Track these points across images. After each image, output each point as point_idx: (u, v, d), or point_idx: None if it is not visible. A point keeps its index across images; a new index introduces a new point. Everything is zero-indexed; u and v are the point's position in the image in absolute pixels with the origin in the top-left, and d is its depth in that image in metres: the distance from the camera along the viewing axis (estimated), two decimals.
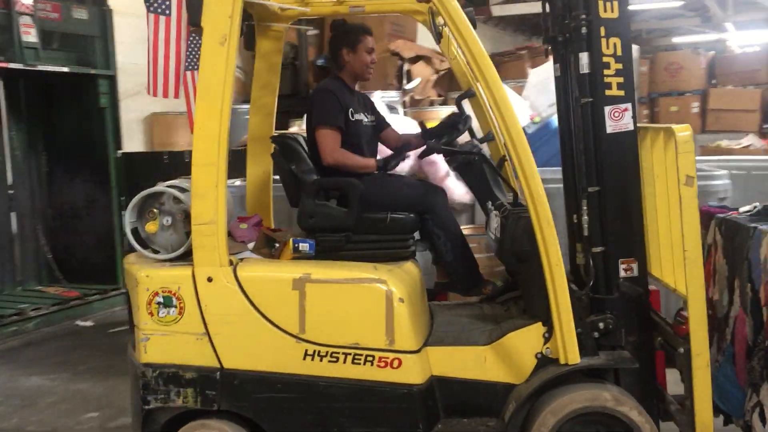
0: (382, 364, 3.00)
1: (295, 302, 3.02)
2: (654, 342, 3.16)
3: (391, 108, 6.04)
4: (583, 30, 3.03)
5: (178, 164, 6.73)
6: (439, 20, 3.51)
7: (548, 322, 3.00)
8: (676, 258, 2.98)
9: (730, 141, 9.21)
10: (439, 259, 3.49)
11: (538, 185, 2.91)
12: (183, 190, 3.23)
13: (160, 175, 7.22)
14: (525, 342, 3.06)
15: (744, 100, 9.97)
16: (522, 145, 2.91)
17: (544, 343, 3.04)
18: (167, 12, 3.11)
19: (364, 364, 3.00)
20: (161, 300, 3.05)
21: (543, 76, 6.32)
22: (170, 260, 3.19)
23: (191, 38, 4.14)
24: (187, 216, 3.18)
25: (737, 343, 3.20)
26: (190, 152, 3.03)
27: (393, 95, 7.06)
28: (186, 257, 3.17)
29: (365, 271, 3.08)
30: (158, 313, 3.05)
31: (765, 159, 6.80)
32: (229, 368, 3.03)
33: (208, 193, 2.99)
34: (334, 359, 3.01)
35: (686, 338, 2.93)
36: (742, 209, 3.41)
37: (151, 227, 3.21)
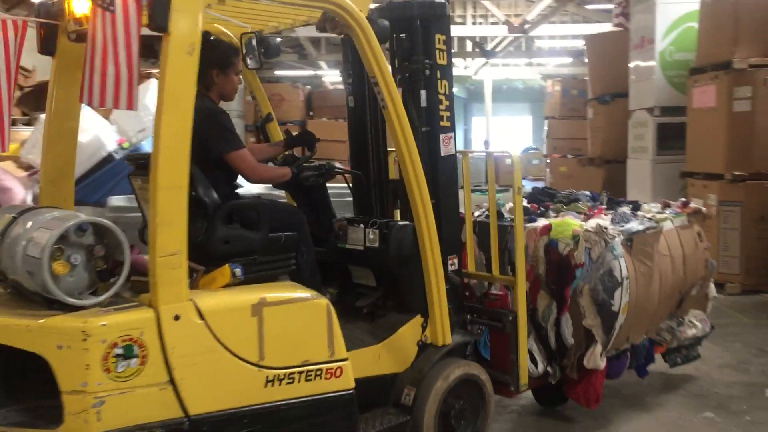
0: (328, 375, 3.12)
1: (254, 329, 2.89)
2: (466, 318, 4.02)
3: None
4: (426, 72, 3.71)
5: None
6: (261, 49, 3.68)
7: (426, 314, 3.58)
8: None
9: None
10: (295, 275, 3.63)
11: (427, 199, 3.48)
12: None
13: None
14: (408, 334, 3.57)
15: (336, 132, 11.09)
16: (416, 161, 3.43)
17: (422, 332, 3.60)
18: (111, 8, 2.48)
19: (315, 379, 3.07)
20: (121, 351, 2.53)
21: None
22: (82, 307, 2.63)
23: None
24: (107, 250, 2.67)
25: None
26: None
27: None
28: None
29: (300, 289, 3.14)
30: (116, 368, 2.52)
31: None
32: (195, 414, 2.71)
33: (174, 220, 2.64)
34: (291, 380, 2.99)
35: (505, 310, 3.91)
36: (477, 213, 4.54)
37: (59, 268, 2.57)
